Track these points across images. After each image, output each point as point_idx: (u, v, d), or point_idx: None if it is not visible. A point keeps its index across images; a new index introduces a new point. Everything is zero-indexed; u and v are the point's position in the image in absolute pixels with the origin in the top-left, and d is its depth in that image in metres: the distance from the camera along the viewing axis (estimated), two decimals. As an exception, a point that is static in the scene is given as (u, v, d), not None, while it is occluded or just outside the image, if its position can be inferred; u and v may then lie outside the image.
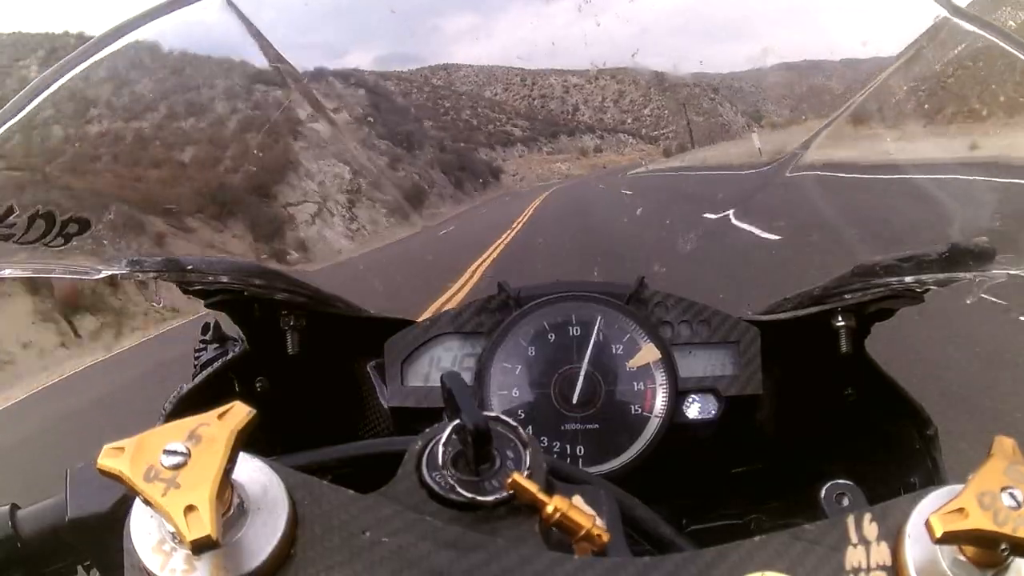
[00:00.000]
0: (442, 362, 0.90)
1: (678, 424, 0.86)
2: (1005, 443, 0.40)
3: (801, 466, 0.84)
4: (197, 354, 1.06)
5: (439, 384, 0.89)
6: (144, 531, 0.38)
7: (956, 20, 0.65)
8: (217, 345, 1.06)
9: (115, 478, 0.36)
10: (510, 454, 0.48)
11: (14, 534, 0.52)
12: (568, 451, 0.85)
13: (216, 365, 0.92)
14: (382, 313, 1.00)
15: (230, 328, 1.04)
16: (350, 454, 0.59)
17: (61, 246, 0.70)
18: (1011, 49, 0.63)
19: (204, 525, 0.34)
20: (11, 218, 0.66)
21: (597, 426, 0.85)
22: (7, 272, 0.73)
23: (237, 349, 0.97)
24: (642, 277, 0.93)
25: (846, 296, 0.86)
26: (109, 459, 0.36)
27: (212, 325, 1.07)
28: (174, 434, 0.37)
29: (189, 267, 0.84)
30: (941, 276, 0.77)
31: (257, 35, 0.84)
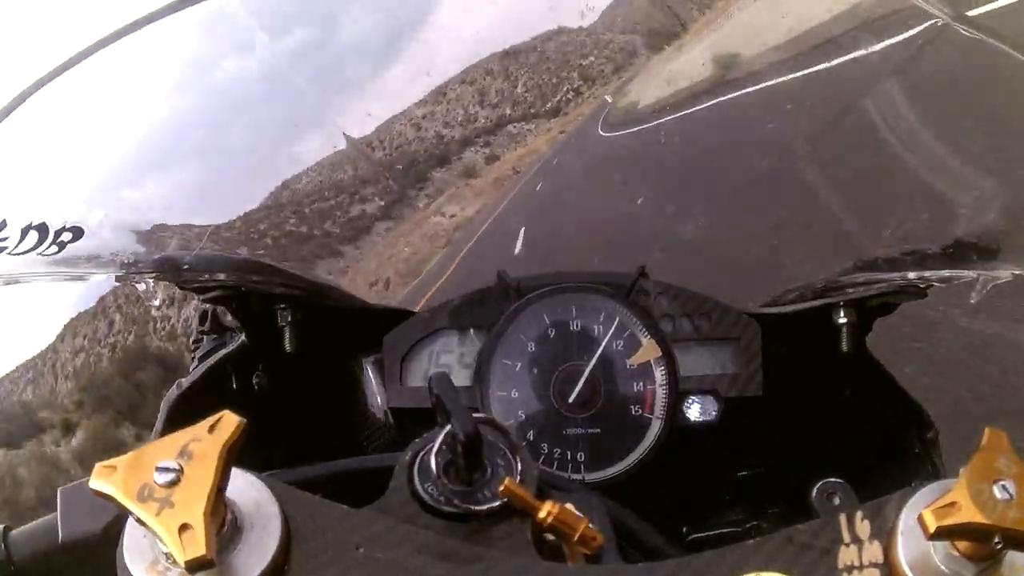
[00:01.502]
0: (441, 359, 0.90)
1: (679, 427, 0.86)
2: (995, 435, 0.40)
3: (802, 470, 0.84)
4: (195, 345, 1.06)
5: (428, 388, 0.89)
6: (138, 551, 0.38)
7: (956, 26, 0.64)
8: (215, 336, 1.06)
9: (107, 499, 0.36)
10: (501, 461, 0.48)
11: (7, 557, 0.52)
12: (569, 457, 0.84)
13: (214, 359, 0.92)
14: (380, 304, 1.00)
15: (227, 319, 1.04)
16: (342, 470, 0.58)
17: (55, 254, 0.70)
18: (1014, 53, 0.63)
19: (199, 545, 0.34)
20: (4, 231, 0.66)
21: (598, 430, 0.85)
22: (1, 280, 0.73)
23: (235, 342, 0.97)
24: (643, 266, 0.92)
25: (848, 290, 0.86)
26: (101, 479, 0.36)
27: (210, 314, 1.07)
28: (165, 451, 0.37)
29: (185, 265, 0.83)
30: (944, 272, 0.76)
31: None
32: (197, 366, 0.96)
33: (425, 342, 0.90)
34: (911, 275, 0.80)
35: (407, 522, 0.44)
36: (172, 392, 0.88)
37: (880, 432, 0.85)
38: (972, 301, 0.74)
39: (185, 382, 0.90)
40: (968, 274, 0.74)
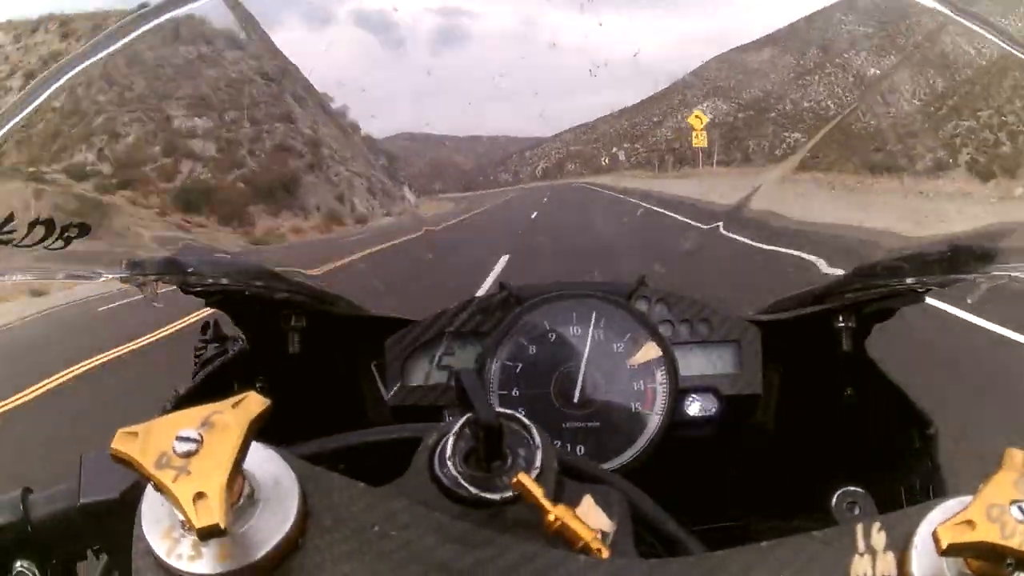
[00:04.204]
0: (442, 362, 0.90)
1: (678, 423, 0.86)
2: (1016, 455, 0.40)
3: (801, 467, 0.84)
4: (197, 353, 1.06)
5: (440, 383, 0.90)
6: (154, 517, 0.38)
7: (958, 19, 0.66)
8: (217, 344, 1.06)
9: (127, 463, 0.36)
10: (522, 451, 0.48)
11: (25, 518, 0.52)
12: (568, 450, 0.85)
13: (215, 364, 0.92)
14: (383, 313, 1.00)
15: (229, 327, 1.04)
16: (364, 440, 0.58)
17: (61, 249, 0.70)
18: (1012, 48, 0.64)
19: (213, 513, 0.34)
20: (11, 224, 0.66)
21: (598, 425, 0.85)
22: (6, 277, 0.73)
23: (236, 348, 0.97)
24: (643, 276, 0.94)
25: (847, 296, 0.87)
26: (122, 444, 0.36)
27: (212, 324, 1.07)
28: (187, 421, 0.37)
29: (189, 268, 0.84)
30: (942, 277, 0.77)
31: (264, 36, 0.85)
32: (198, 372, 0.96)
33: (427, 345, 0.90)
34: (909, 280, 0.81)
35: (424, 504, 0.44)
36: (170, 399, 0.88)
37: (881, 430, 0.86)
38: (969, 303, 0.75)
39: (184, 389, 0.89)
40: (966, 276, 0.75)
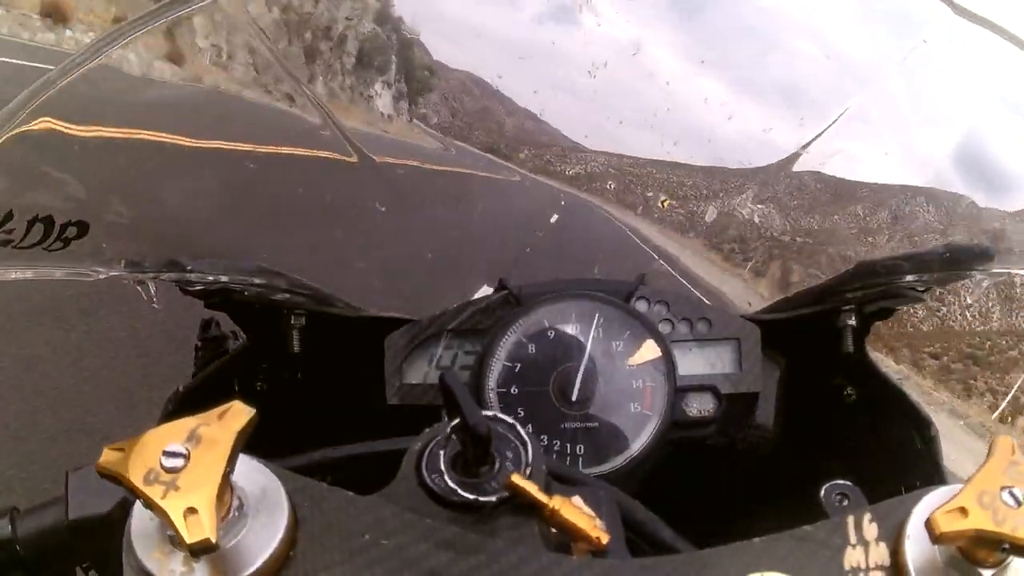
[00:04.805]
0: (442, 360, 0.90)
1: (677, 422, 0.86)
2: (1005, 442, 0.40)
3: (801, 466, 0.84)
4: (198, 351, 1.06)
5: (438, 382, 0.89)
6: (144, 533, 0.38)
7: (957, 16, 0.65)
8: (217, 344, 1.06)
9: (115, 480, 0.36)
10: (509, 454, 0.48)
11: (13, 537, 0.52)
12: (568, 450, 0.84)
13: (215, 364, 0.92)
14: (382, 312, 1.00)
15: (230, 325, 1.04)
16: (350, 454, 0.58)
17: (60, 250, 0.70)
18: (1012, 44, 0.63)
19: (203, 528, 0.34)
20: (9, 224, 0.66)
21: (596, 425, 0.85)
22: (3, 275, 0.73)
23: (237, 347, 0.97)
24: (643, 275, 0.93)
25: (847, 295, 0.86)
26: (109, 461, 0.36)
27: (213, 322, 1.07)
28: (174, 435, 0.37)
29: (188, 267, 0.84)
30: (942, 275, 0.77)
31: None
32: (198, 371, 0.96)
33: (426, 344, 0.90)
34: (909, 278, 0.80)
35: (413, 511, 0.44)
36: (171, 397, 0.88)
37: (881, 430, 0.86)
38: (968, 302, 0.75)
39: (185, 388, 0.90)
40: (965, 275, 0.75)
